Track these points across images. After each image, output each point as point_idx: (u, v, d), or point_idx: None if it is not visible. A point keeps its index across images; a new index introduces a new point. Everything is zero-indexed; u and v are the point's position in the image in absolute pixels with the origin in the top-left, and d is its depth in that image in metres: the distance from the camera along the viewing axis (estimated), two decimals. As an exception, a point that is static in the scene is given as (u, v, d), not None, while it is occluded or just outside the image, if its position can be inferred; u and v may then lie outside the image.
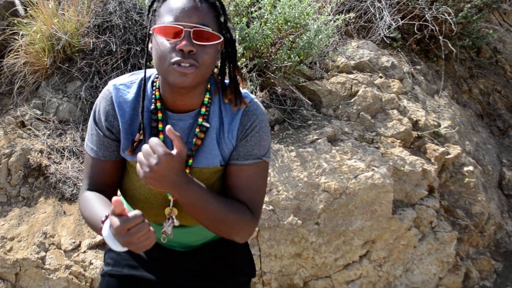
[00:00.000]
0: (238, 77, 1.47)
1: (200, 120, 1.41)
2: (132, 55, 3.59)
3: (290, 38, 3.22)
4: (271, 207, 2.84)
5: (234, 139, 1.43)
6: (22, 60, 3.58)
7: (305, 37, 3.19)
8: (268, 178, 2.90)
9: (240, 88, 1.46)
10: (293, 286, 2.96)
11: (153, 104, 1.41)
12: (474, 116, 4.38)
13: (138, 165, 1.24)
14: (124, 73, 3.46)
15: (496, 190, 3.91)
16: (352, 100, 3.42)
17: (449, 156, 3.42)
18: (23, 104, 3.53)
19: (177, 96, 1.38)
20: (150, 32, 1.37)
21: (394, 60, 3.87)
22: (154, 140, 1.22)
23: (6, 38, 3.70)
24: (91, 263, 2.82)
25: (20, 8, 3.78)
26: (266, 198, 2.85)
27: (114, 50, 3.60)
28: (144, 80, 1.43)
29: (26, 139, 3.33)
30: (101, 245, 2.89)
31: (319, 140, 3.08)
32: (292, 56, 3.19)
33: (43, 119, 3.45)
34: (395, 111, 3.45)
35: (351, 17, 3.60)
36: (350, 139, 3.17)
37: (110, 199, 1.34)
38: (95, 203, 1.38)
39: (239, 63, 3.02)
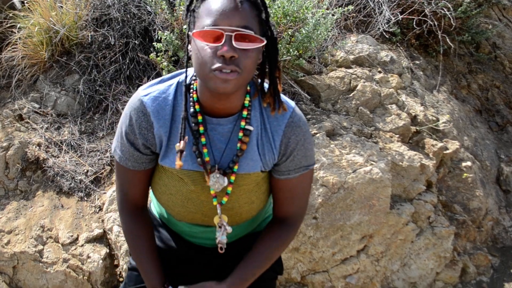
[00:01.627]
0: (278, 77, 1.40)
1: (243, 123, 1.36)
2: (131, 49, 3.58)
3: (289, 32, 3.21)
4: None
5: (276, 150, 1.39)
6: (20, 53, 3.57)
7: (304, 31, 3.18)
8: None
9: (281, 95, 1.40)
10: (291, 280, 2.97)
11: (191, 108, 1.35)
12: (472, 112, 4.38)
13: None
14: (123, 67, 3.49)
15: (494, 185, 3.91)
16: (351, 95, 3.42)
17: (448, 151, 3.42)
18: (21, 97, 3.53)
19: (216, 100, 1.32)
20: (189, 33, 1.30)
21: (393, 55, 3.86)
22: None
23: (3, 31, 3.69)
24: (88, 257, 2.82)
25: (16, 1, 3.76)
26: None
27: (112, 43, 3.59)
28: (186, 83, 1.37)
29: (24, 133, 3.32)
30: (99, 238, 2.90)
31: (318, 135, 3.08)
32: (291, 50, 3.18)
33: (41, 113, 3.44)
34: (393, 106, 3.45)
35: (350, 10, 3.59)
36: (349, 134, 3.17)
37: (143, 208, 1.56)
38: (142, 252, 1.52)
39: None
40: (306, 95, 3.39)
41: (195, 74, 1.35)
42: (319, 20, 3.23)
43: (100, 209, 3.01)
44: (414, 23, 4.10)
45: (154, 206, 1.73)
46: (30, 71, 3.60)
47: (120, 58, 3.56)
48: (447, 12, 3.98)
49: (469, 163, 3.50)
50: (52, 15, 3.54)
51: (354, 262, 3.01)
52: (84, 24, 3.69)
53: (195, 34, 1.21)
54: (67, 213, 2.99)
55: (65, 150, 3.24)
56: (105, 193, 3.05)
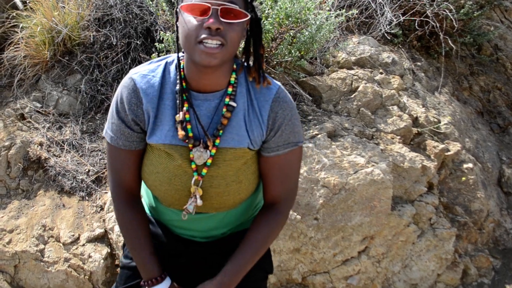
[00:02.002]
0: (262, 54, 1.45)
1: (227, 99, 1.40)
2: (133, 49, 3.58)
3: (291, 33, 3.21)
4: (270, 202, 2.84)
5: (264, 125, 1.42)
6: (22, 53, 3.58)
7: (306, 32, 3.18)
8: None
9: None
10: (292, 281, 2.97)
11: (178, 85, 1.40)
12: (474, 113, 4.38)
13: None
14: (124, 67, 3.50)
15: (496, 187, 3.91)
16: (352, 96, 3.42)
17: (449, 153, 3.42)
18: (23, 97, 3.53)
19: (203, 75, 1.37)
20: (177, 10, 1.35)
21: (395, 56, 3.86)
22: None
23: (6, 31, 3.70)
24: (90, 256, 2.82)
25: (18, 1, 3.77)
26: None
27: (114, 43, 3.59)
28: (178, 58, 1.42)
29: (26, 132, 3.33)
30: (100, 238, 2.90)
31: (319, 136, 3.08)
32: (292, 51, 3.18)
33: (43, 112, 3.45)
34: (395, 107, 3.45)
35: (354, 14, 3.59)
36: (350, 135, 3.17)
37: (137, 197, 1.57)
38: (138, 242, 1.53)
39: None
40: (307, 96, 3.39)
41: (182, 53, 1.42)
42: (321, 21, 3.23)
43: (102, 208, 3.01)
44: (416, 24, 4.10)
45: (144, 199, 1.73)
46: (32, 70, 3.61)
47: (122, 58, 3.57)
48: (449, 14, 3.98)
49: (470, 165, 3.50)
50: (55, 15, 3.55)
51: (355, 263, 3.01)
52: (86, 24, 3.69)
53: (183, 7, 1.27)
54: (68, 213, 2.99)
55: (66, 149, 3.24)
56: (106, 192, 3.05)
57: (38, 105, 3.48)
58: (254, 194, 1.62)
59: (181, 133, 1.37)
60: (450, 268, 3.24)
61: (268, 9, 3.22)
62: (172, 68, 1.44)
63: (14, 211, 3.05)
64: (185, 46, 1.31)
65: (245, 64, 1.47)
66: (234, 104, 1.40)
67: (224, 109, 1.40)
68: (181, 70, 1.41)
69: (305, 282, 2.98)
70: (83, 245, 2.86)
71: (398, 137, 3.30)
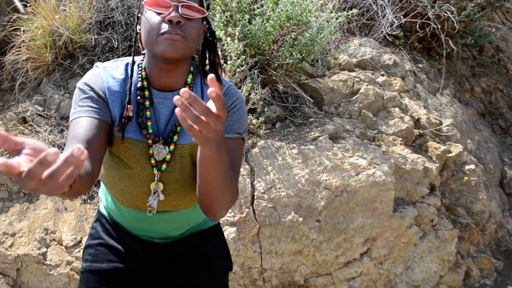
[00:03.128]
0: (217, 62, 1.56)
1: (184, 99, 1.44)
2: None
3: (292, 36, 3.22)
4: (272, 204, 2.84)
5: None
6: (23, 56, 3.58)
7: (307, 35, 3.19)
8: (269, 175, 2.90)
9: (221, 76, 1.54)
10: (294, 283, 2.96)
11: (139, 83, 1.47)
12: (476, 115, 4.37)
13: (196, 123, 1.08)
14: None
15: (498, 188, 3.90)
16: (354, 98, 3.42)
17: (451, 155, 3.42)
18: (24, 100, 3.54)
19: (163, 73, 1.43)
20: (139, 14, 1.45)
21: (396, 58, 3.86)
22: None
23: (7, 34, 3.70)
24: (92, 259, 2.82)
25: (19, 5, 3.77)
26: (267, 195, 2.85)
27: (115, 46, 3.60)
28: (133, 60, 1.49)
29: (28, 135, 3.33)
30: (102, 241, 2.90)
31: (321, 138, 3.08)
32: (294, 53, 3.19)
33: (45, 115, 3.45)
34: (396, 109, 3.45)
35: (354, 14, 3.59)
36: (352, 137, 3.16)
37: (95, 171, 1.29)
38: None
39: (239, 61, 3.01)
40: (309, 98, 3.39)
41: (143, 54, 1.51)
42: (322, 23, 3.23)
43: (103, 211, 3.01)
44: (417, 26, 4.10)
45: (102, 201, 1.76)
46: (33, 74, 3.61)
47: (124, 61, 3.57)
48: (450, 16, 3.98)
49: (472, 166, 3.49)
50: (56, 18, 3.55)
51: (358, 265, 3.00)
52: (87, 27, 3.70)
53: (147, 3, 1.37)
54: (70, 216, 2.99)
55: (68, 152, 3.24)
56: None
57: (40, 108, 3.48)
58: None
59: (117, 128, 1.41)
60: (453, 269, 3.24)
61: (270, 11, 3.22)
62: (135, 68, 1.51)
63: (16, 214, 3.05)
64: (147, 42, 1.37)
65: (201, 68, 1.56)
66: None
67: None
68: (143, 70, 1.49)
69: (307, 284, 2.98)
70: (85, 248, 2.86)
71: (400, 138, 3.30)
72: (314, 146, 3.02)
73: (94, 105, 1.42)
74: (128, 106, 1.43)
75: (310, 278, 2.97)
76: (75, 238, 2.89)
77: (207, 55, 1.56)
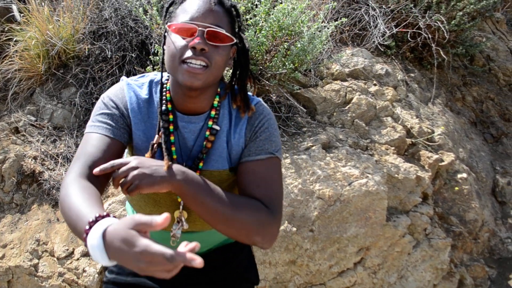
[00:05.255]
0: (249, 85, 1.47)
1: (210, 123, 1.41)
2: (127, 62, 3.59)
3: (285, 46, 3.24)
4: (265, 214, 2.84)
5: (242, 139, 1.42)
6: (16, 66, 3.57)
7: (299, 45, 3.21)
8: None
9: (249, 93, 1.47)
10: (288, 294, 2.96)
11: (164, 105, 1.40)
12: (467, 124, 4.41)
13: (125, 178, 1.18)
14: (119, 80, 3.50)
15: (490, 197, 3.93)
16: (346, 108, 3.44)
17: (443, 163, 3.44)
18: (17, 110, 3.52)
19: (187, 98, 1.37)
20: (165, 34, 1.37)
21: (388, 67, 3.89)
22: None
23: (0, 44, 3.70)
24: (84, 271, 2.80)
25: (17, 14, 3.78)
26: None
27: (109, 56, 3.60)
28: (161, 83, 1.41)
29: (20, 146, 3.31)
30: (95, 252, 2.88)
31: (314, 147, 3.09)
32: (286, 63, 3.20)
33: (37, 126, 3.44)
34: (389, 119, 3.47)
35: (344, 23, 3.62)
36: (345, 146, 3.18)
37: (100, 190, 1.24)
38: (83, 197, 1.13)
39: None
40: (302, 108, 3.41)
41: (168, 74, 1.41)
42: (314, 33, 3.26)
43: (96, 222, 2.99)
44: (409, 36, 4.14)
45: (129, 214, 1.72)
46: (26, 84, 3.61)
47: (117, 71, 3.57)
48: (441, 25, 4.02)
49: (464, 175, 3.51)
50: (49, 28, 3.55)
51: (351, 275, 3.00)
52: (81, 37, 3.70)
53: (171, 27, 1.30)
54: (62, 227, 2.97)
55: (61, 163, 3.23)
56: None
57: (33, 118, 3.47)
58: None
59: (149, 155, 1.33)
60: (446, 278, 3.24)
61: (262, 22, 3.24)
62: (158, 88, 1.44)
63: (7, 225, 3.02)
64: (170, 66, 1.31)
65: (231, 90, 1.47)
66: (217, 127, 1.41)
67: (208, 133, 1.40)
68: (167, 91, 1.42)
69: (301, 294, 2.97)
70: (78, 259, 2.84)
71: (392, 148, 3.32)
72: (307, 156, 3.03)
73: (113, 124, 1.36)
74: (160, 133, 1.36)
75: (304, 288, 2.96)
76: (67, 250, 2.87)
77: (237, 77, 1.46)
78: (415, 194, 3.23)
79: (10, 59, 3.61)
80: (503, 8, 5.41)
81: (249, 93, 1.49)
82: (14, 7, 3.82)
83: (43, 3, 3.67)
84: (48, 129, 3.42)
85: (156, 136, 1.36)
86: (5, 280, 2.89)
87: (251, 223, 1.28)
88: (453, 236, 3.34)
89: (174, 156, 1.40)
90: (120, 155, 1.36)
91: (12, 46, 3.61)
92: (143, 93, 1.42)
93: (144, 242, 0.90)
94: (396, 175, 3.17)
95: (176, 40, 1.28)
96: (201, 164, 1.40)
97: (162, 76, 1.42)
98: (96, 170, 1.18)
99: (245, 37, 1.44)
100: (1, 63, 3.64)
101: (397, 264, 3.13)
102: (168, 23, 1.33)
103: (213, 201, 1.25)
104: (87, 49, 3.66)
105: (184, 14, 1.30)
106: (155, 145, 1.35)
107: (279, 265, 2.89)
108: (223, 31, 1.29)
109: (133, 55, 3.60)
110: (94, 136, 1.33)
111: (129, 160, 1.20)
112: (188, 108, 1.40)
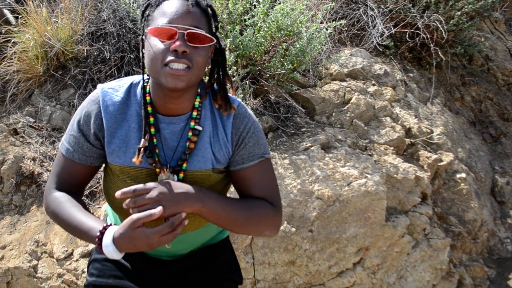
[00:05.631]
0: (228, 84, 1.50)
1: (192, 123, 1.42)
2: (126, 63, 3.59)
3: (284, 46, 3.24)
4: (264, 215, 2.84)
5: (229, 143, 1.45)
6: (15, 67, 3.57)
7: (298, 45, 3.21)
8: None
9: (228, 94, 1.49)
10: (287, 294, 2.96)
11: (144, 109, 1.41)
12: (466, 123, 4.41)
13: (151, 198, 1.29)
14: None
15: (489, 197, 3.93)
16: (345, 108, 3.44)
17: (442, 163, 3.44)
18: (16, 111, 3.52)
19: (168, 99, 1.38)
20: (143, 37, 1.37)
21: (387, 67, 3.89)
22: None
23: (-1, 46, 3.70)
24: (83, 272, 2.80)
25: (10, 17, 3.77)
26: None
27: (107, 57, 3.60)
28: (143, 82, 1.43)
29: (19, 147, 3.31)
30: (94, 253, 2.88)
31: (313, 148, 3.09)
32: (285, 63, 3.20)
33: (36, 127, 3.44)
34: (388, 119, 3.47)
35: (342, 24, 3.62)
36: (344, 147, 3.18)
37: (78, 200, 1.46)
38: (75, 208, 1.40)
39: (230, 71, 3.03)
40: (300, 108, 3.41)
41: (148, 77, 1.44)
42: (313, 34, 3.26)
43: (95, 223, 2.99)
44: (407, 36, 4.14)
45: (110, 217, 1.73)
46: (25, 85, 3.61)
47: (116, 72, 3.57)
48: (439, 25, 4.03)
49: (463, 175, 3.51)
50: (48, 29, 3.55)
51: (351, 275, 3.00)
52: (79, 39, 3.70)
53: (151, 30, 1.29)
54: (61, 228, 2.97)
55: (60, 164, 3.23)
56: (100, 207, 3.04)
57: (31, 119, 3.47)
58: None
59: (139, 160, 1.37)
60: (445, 278, 3.24)
61: (261, 22, 3.24)
62: (138, 90, 1.45)
63: (6, 227, 3.02)
64: (151, 70, 1.31)
65: (211, 89, 1.49)
66: (199, 128, 1.43)
67: (190, 133, 1.42)
68: (147, 94, 1.43)
69: (301, 295, 2.97)
70: (77, 260, 2.84)
71: (391, 148, 3.32)
72: (306, 156, 3.03)
73: (78, 149, 1.44)
74: (146, 137, 1.39)
75: (303, 289, 2.96)
76: (67, 251, 2.87)
77: (216, 75, 1.48)
78: (414, 194, 3.23)
79: (8, 61, 3.61)
80: (501, 7, 5.41)
81: (230, 95, 1.51)
82: (6, 11, 3.82)
83: (41, 5, 3.67)
84: (47, 130, 3.42)
85: (142, 140, 1.38)
86: (4, 281, 2.89)
87: (263, 221, 1.45)
88: (452, 236, 3.34)
89: (157, 159, 1.42)
90: (91, 174, 1.51)
91: (10, 47, 3.61)
92: (120, 97, 1.44)
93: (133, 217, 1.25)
94: (395, 175, 3.17)
95: (156, 44, 1.29)
96: (184, 165, 1.42)
97: (143, 80, 1.43)
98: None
99: (221, 37, 1.46)
100: (0, 65, 3.64)
101: (396, 264, 3.13)
102: (147, 27, 1.34)
103: (230, 212, 1.38)
104: (85, 51, 3.66)
105: (162, 17, 1.30)
106: (142, 149, 1.38)
107: (278, 266, 2.89)
108: (203, 32, 1.30)
109: (131, 56, 3.60)
110: (63, 158, 1.47)
111: (150, 188, 1.29)
112: (169, 109, 1.42)
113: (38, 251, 2.91)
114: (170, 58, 1.26)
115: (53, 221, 3.00)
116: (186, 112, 1.43)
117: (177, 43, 1.25)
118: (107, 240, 1.27)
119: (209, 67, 1.47)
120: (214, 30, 1.41)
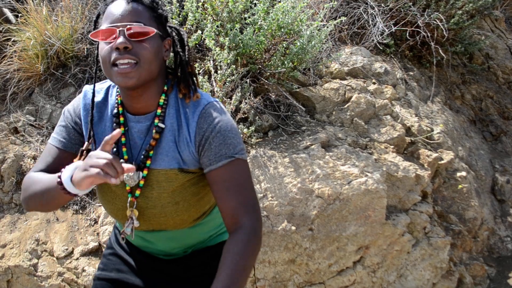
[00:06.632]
0: (192, 73, 1.50)
1: (156, 121, 1.43)
2: (126, 61, 3.58)
3: (284, 45, 3.23)
4: (264, 213, 2.84)
5: (192, 142, 1.41)
6: (15, 66, 3.57)
7: (298, 43, 3.21)
8: (262, 185, 2.90)
9: (199, 91, 1.48)
10: (287, 292, 2.96)
11: (115, 109, 1.47)
12: (466, 122, 4.41)
13: None
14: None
15: (489, 195, 3.93)
16: (345, 106, 3.44)
17: (442, 162, 3.44)
18: (16, 110, 3.52)
19: (131, 98, 1.42)
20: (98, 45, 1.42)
21: (387, 66, 3.89)
22: None
23: (-1, 44, 3.70)
24: (83, 270, 2.80)
25: (10, 16, 3.77)
26: (260, 204, 2.85)
27: (107, 56, 3.59)
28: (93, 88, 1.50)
29: (19, 146, 3.31)
30: (94, 252, 2.88)
31: (313, 146, 3.09)
32: (285, 62, 3.20)
33: (36, 126, 3.44)
34: (388, 117, 3.47)
35: (343, 21, 3.62)
36: (344, 145, 3.18)
37: None
38: (43, 174, 1.43)
39: (229, 70, 3.02)
40: (301, 106, 3.41)
41: None
42: (313, 32, 3.26)
43: (96, 222, 3.00)
44: (408, 34, 4.14)
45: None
46: (25, 84, 3.60)
47: (116, 70, 3.57)
48: (439, 24, 4.02)
49: (464, 173, 3.51)
50: (48, 28, 3.55)
51: (351, 274, 3.00)
52: (79, 37, 3.70)
53: (92, 35, 1.35)
54: (62, 226, 2.98)
55: (60, 163, 3.23)
56: (100, 206, 3.04)
57: (32, 118, 3.47)
58: (210, 214, 1.63)
59: (76, 159, 1.41)
60: (445, 277, 3.24)
61: (261, 21, 3.24)
62: (114, 91, 1.51)
63: (7, 225, 3.02)
64: (105, 72, 1.36)
65: (174, 81, 1.50)
66: (162, 125, 1.43)
67: (154, 131, 1.43)
68: (118, 95, 1.48)
69: (301, 293, 2.97)
70: (77, 259, 2.84)
71: (392, 146, 3.32)
72: (306, 155, 3.03)
73: (66, 137, 1.49)
74: (90, 140, 1.44)
75: (303, 287, 2.96)
76: (67, 249, 2.87)
77: (180, 68, 1.49)
78: (415, 193, 3.23)
79: (9, 59, 3.61)
80: (502, 6, 5.40)
81: (207, 93, 1.51)
82: (6, 10, 3.82)
83: (41, 3, 3.66)
84: (47, 129, 3.42)
85: (86, 143, 1.44)
86: (5, 280, 2.89)
87: (254, 256, 1.37)
88: (453, 235, 3.34)
89: (126, 157, 1.45)
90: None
91: (11, 46, 3.61)
92: (99, 98, 1.50)
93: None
94: (396, 174, 3.17)
95: (102, 46, 1.33)
96: (148, 162, 1.43)
97: (94, 83, 1.50)
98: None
99: (176, 26, 1.50)
100: (0, 63, 3.64)
101: (397, 263, 3.13)
102: (91, 33, 1.38)
103: (235, 279, 1.29)
104: (86, 49, 3.65)
105: (105, 22, 1.35)
106: (84, 150, 1.43)
107: (278, 264, 2.89)
108: (141, 25, 1.32)
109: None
110: (51, 147, 1.51)
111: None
112: (136, 108, 1.44)
113: (38, 250, 2.91)
114: (114, 56, 1.30)
115: (53, 220, 3.01)
116: (152, 110, 1.44)
117: (118, 40, 1.29)
118: (65, 175, 1.29)
119: (171, 60, 1.51)
120: (164, 21, 1.43)
